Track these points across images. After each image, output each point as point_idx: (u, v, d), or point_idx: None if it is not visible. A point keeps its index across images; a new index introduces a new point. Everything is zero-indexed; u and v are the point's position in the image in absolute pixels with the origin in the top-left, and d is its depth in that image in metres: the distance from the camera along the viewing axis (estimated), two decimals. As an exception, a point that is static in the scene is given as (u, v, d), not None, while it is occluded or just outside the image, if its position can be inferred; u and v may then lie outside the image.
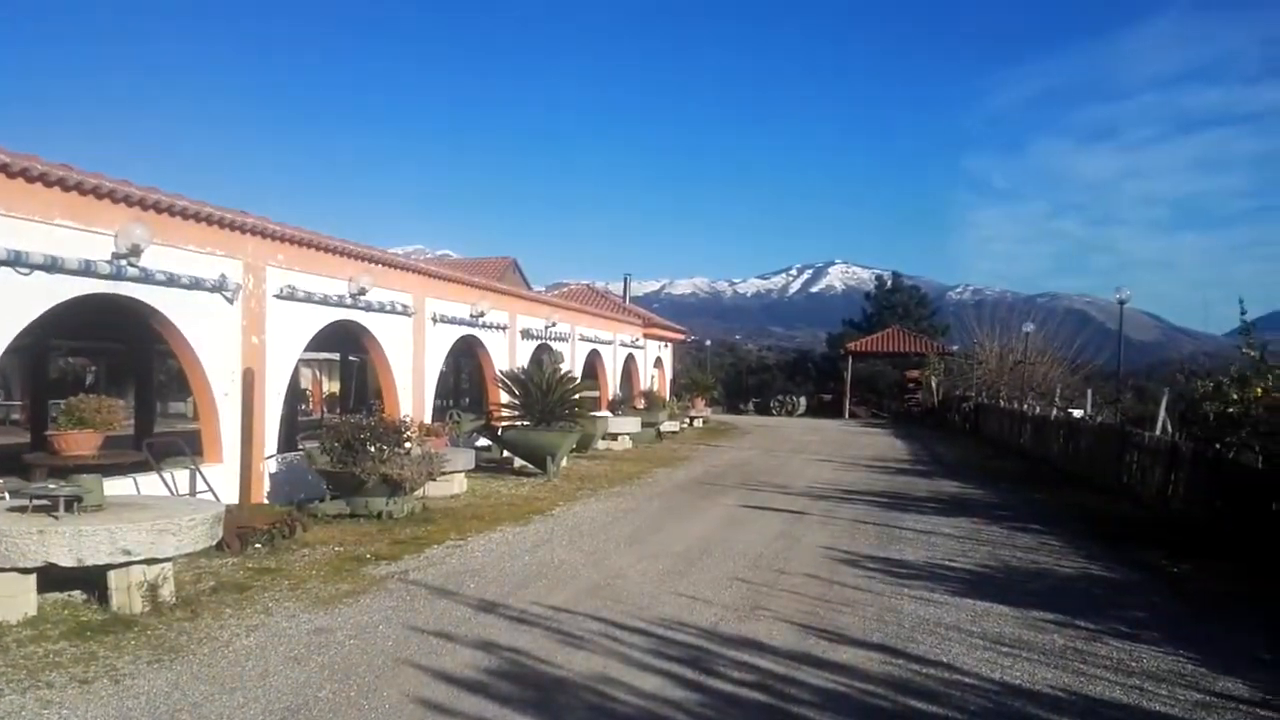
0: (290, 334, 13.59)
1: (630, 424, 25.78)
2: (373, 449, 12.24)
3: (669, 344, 41.57)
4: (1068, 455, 21.66)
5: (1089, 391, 26.87)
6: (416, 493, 12.92)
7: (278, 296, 13.18)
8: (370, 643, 6.93)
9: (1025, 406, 29.40)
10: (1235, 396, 12.28)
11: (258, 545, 10.02)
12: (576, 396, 19.45)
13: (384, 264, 16.15)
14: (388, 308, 16.15)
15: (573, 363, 26.47)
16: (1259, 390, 11.98)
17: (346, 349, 22.38)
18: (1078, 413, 24.79)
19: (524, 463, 18.29)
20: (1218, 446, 12.66)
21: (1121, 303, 26.60)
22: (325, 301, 14.24)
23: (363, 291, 15.01)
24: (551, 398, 18.47)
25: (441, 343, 18.69)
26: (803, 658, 6.83)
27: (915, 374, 47.89)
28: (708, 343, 66.92)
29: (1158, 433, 16.98)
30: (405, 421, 13.66)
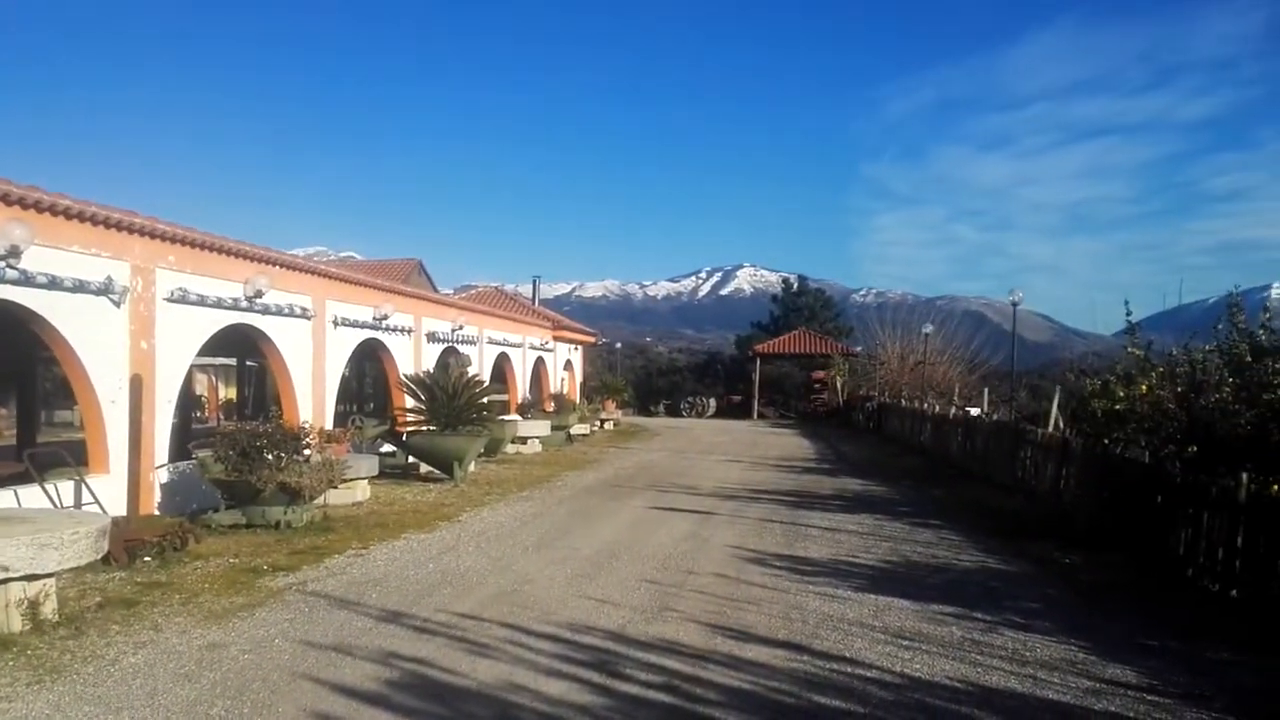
0: (182, 338, 13.12)
1: (540, 427, 25.63)
2: (270, 456, 11.90)
3: (579, 346, 41.48)
4: (965, 452, 22.22)
5: (985, 390, 27.69)
6: (317, 501, 12.61)
7: (169, 299, 12.71)
8: (266, 657, 6.72)
9: (925, 405, 30.09)
10: (1122, 394, 12.75)
11: (147, 558, 9.65)
12: (484, 400, 19.26)
13: (282, 265, 15.71)
14: (286, 311, 15.72)
15: (480, 366, 26.19)
16: (1144, 387, 12.47)
17: (244, 354, 21.74)
18: (975, 411, 25.48)
19: (430, 468, 18.03)
20: (1106, 442, 13.12)
21: (1015, 304, 27.45)
22: (220, 305, 13.79)
23: (259, 294, 14.57)
24: (458, 402, 18.25)
25: (343, 347, 18.29)
26: (710, 657, 6.87)
27: (821, 375, 48.66)
28: (618, 345, 67.01)
29: (1050, 429, 17.53)
30: (305, 428, 13.33)
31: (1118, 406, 12.76)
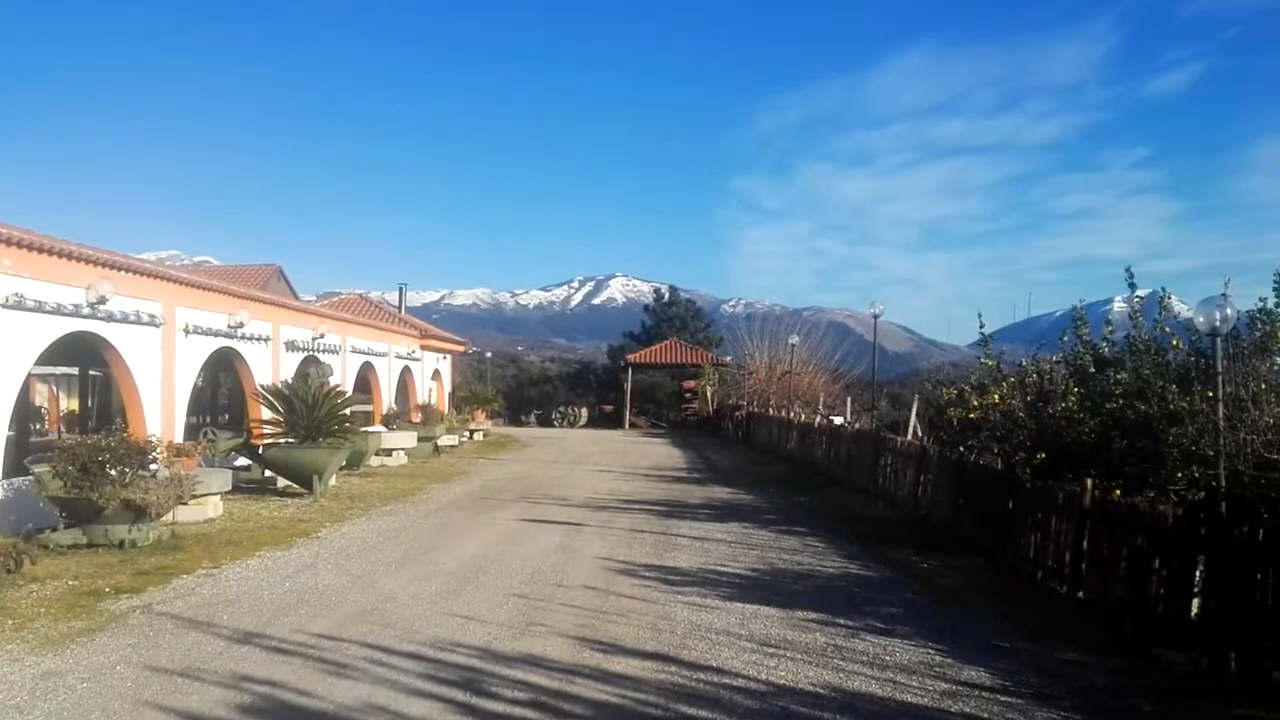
0: (18, 347, 12.33)
1: (406, 439, 25.09)
2: (113, 472, 11.30)
3: (448, 356, 40.83)
4: (830, 460, 22.75)
5: (849, 399, 28.45)
6: (165, 518, 12.02)
7: (3, 305, 11.93)
8: (106, 685, 6.33)
9: (792, 414, 30.76)
10: (975, 403, 13.26)
11: (-23, 582, 8.98)
12: (346, 411, 18.72)
13: (128, 270, 14.93)
14: (133, 318, 14.94)
15: (343, 376, 25.48)
16: (996, 397, 12.99)
17: (88, 363, 20.58)
18: (839, 420, 26.16)
19: (288, 483, 17.38)
20: (961, 449, 13.61)
21: (876, 316, 28.22)
22: (59, 311, 13.00)
23: (103, 300, 13.81)
24: (318, 413, 17.66)
25: (195, 356, 17.50)
26: (578, 671, 6.80)
27: (692, 384, 49.17)
28: (489, 354, 66.23)
29: (909, 437, 18.11)
30: (152, 441, 12.70)
31: (972, 415, 13.26)
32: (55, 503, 11.47)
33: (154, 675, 6.57)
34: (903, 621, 8.61)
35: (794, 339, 39.81)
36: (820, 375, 42.04)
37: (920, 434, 18.48)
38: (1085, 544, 9.58)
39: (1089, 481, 9.69)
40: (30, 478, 11.87)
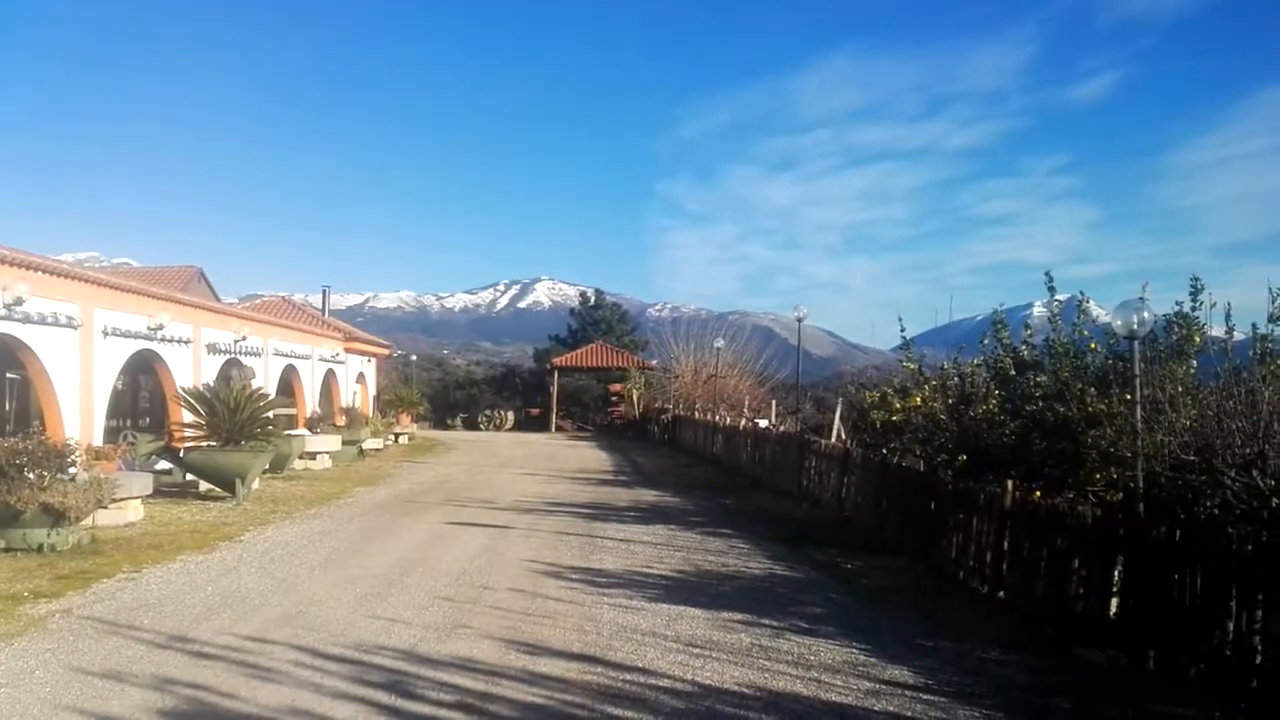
0: (-73, 348, 11.99)
1: (330, 442, 24.78)
2: (31, 475, 11.05)
3: (373, 359, 40.39)
4: (755, 463, 23.04)
5: (774, 403, 28.80)
6: (84, 522, 11.76)
7: (-88, 305, 11.60)
8: (25, 690, 6.22)
9: (717, 417, 31.04)
10: (898, 405, 13.54)
11: (-116, 590, 8.74)
12: (269, 414, 18.47)
13: (45, 271, 14.59)
14: (49, 320, 14.59)
15: (266, 379, 25.10)
16: (918, 399, 13.27)
17: (3, 365, 20.01)
18: (764, 423, 26.50)
19: (210, 486, 17.07)
20: (884, 452, 13.85)
21: (799, 320, 28.63)
22: (-28, 312, 12.68)
23: (19, 301, 13.49)
24: (240, 416, 17.39)
25: (114, 358, 17.13)
26: (504, 672, 6.85)
27: (618, 388, 49.33)
28: (414, 358, 65.65)
29: (833, 440, 18.44)
30: (70, 444, 12.43)
31: (894, 418, 13.52)
32: (-31, 507, 11.16)
33: (75, 678, 6.47)
34: (827, 621, 8.75)
35: (719, 342, 40.17)
36: (745, 379, 42.50)
37: (844, 436, 18.84)
38: (1006, 545, 9.69)
39: (1010, 483, 9.81)
40: (-58, 482, 11.52)
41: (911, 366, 13.80)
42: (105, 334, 16.58)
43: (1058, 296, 12.25)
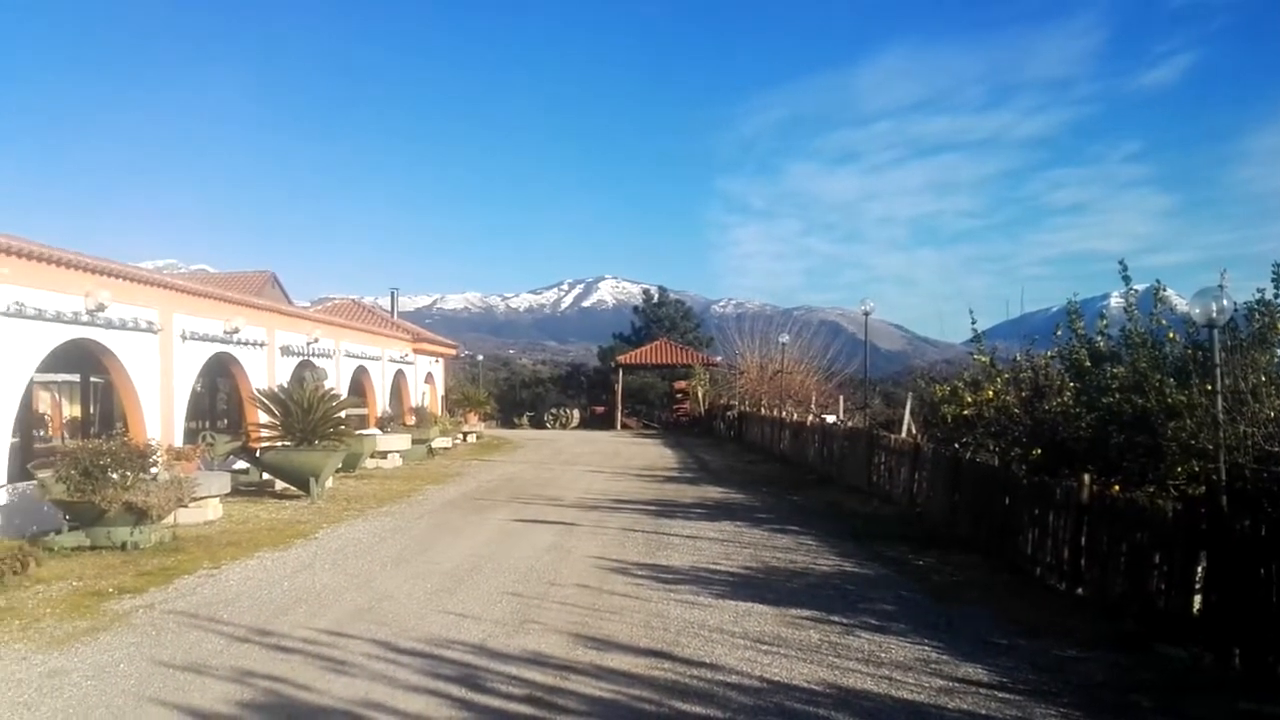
0: (19, 354, 12.44)
1: (400, 441, 25.16)
2: (115, 475, 11.41)
3: (440, 359, 40.90)
4: (823, 459, 22.84)
5: (841, 398, 28.51)
6: (165, 521, 12.12)
7: (4, 313, 12.05)
8: (111, 682, 6.44)
9: (784, 414, 30.83)
10: (969, 400, 13.27)
11: (-17, 584, 9.11)
12: (341, 414, 18.81)
13: (126, 278, 15.03)
14: (130, 325, 15.04)
15: (338, 380, 25.56)
16: (990, 393, 12.99)
17: (88, 369, 20.68)
18: (831, 418, 26.25)
19: (286, 485, 17.48)
20: (956, 446, 13.62)
21: (867, 314, 28.26)
22: (59, 319, 13.12)
23: (102, 308, 13.93)
24: (314, 416, 17.75)
25: (193, 361, 17.59)
26: (573, 667, 6.88)
27: (683, 385, 49.27)
28: (480, 357, 66.30)
29: (903, 435, 18.19)
30: (152, 445, 12.80)
31: (966, 412, 13.26)
32: (59, 506, 11.60)
33: (158, 671, 6.68)
34: (898, 619, 8.63)
35: (785, 338, 39.85)
36: (812, 374, 42.07)
37: (914, 431, 18.59)
38: (1084, 540, 9.51)
39: (1086, 477, 9.61)
40: (34, 482, 11.97)
41: (983, 359, 13.51)
42: (184, 338, 17.04)
43: (1134, 286, 11.94)
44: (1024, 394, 12.67)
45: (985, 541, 11.93)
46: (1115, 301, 13.49)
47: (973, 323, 14.03)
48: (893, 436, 18.07)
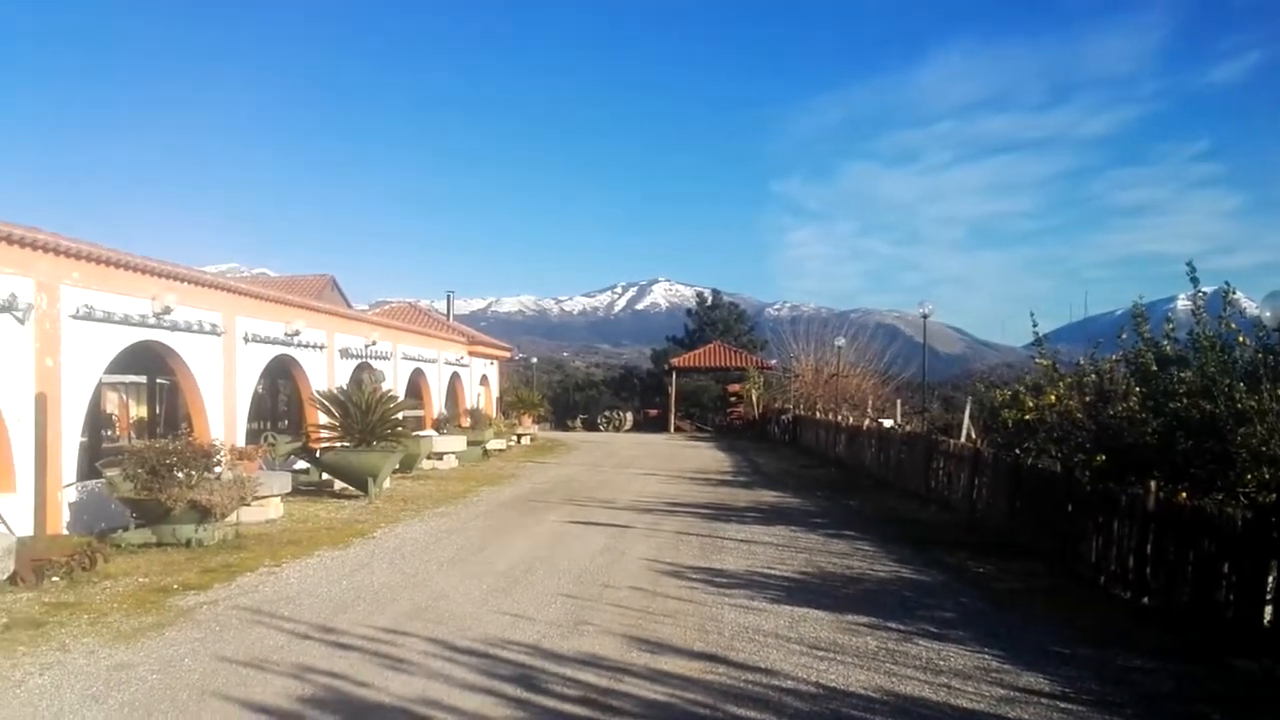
0: (89, 356, 12.77)
1: (455, 443, 25.41)
2: (180, 474, 11.65)
3: (495, 362, 41.23)
4: (880, 463, 22.61)
5: (899, 402, 28.18)
6: (228, 519, 12.35)
7: (74, 317, 12.38)
8: (175, 676, 6.57)
9: (840, 417, 30.58)
10: (1031, 404, 13.03)
11: (55, 578, 9.41)
12: (399, 416, 19.04)
13: (190, 282, 15.36)
14: (195, 327, 15.36)
15: (395, 382, 25.88)
16: (1052, 397, 12.74)
17: (154, 371, 21.18)
18: (888, 422, 25.96)
19: (344, 485, 17.73)
20: (1017, 452, 13.37)
21: (925, 317, 28.02)
22: (127, 321, 13.45)
23: (167, 311, 14.25)
24: (372, 417, 18.00)
25: (254, 363, 17.92)
26: (627, 669, 6.88)
27: (737, 388, 49.08)
28: (534, 360, 66.88)
29: (962, 440, 17.92)
30: (216, 445, 13.04)
31: (1027, 417, 13.03)
32: (126, 504, 11.89)
33: (221, 666, 6.81)
34: (957, 626, 8.49)
35: (840, 341, 39.60)
36: (869, 378, 41.66)
37: (974, 436, 18.30)
38: (1150, 548, 9.30)
39: (1152, 484, 9.40)
40: (103, 480, 12.28)
41: (1045, 363, 13.25)
42: (246, 340, 17.36)
43: (1202, 288, 11.58)
44: (1088, 399, 12.42)
45: (1047, 549, 11.71)
46: (1182, 304, 13.16)
47: (1034, 326, 13.77)
48: (952, 441, 17.81)
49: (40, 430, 11.39)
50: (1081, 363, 13.21)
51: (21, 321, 11.38)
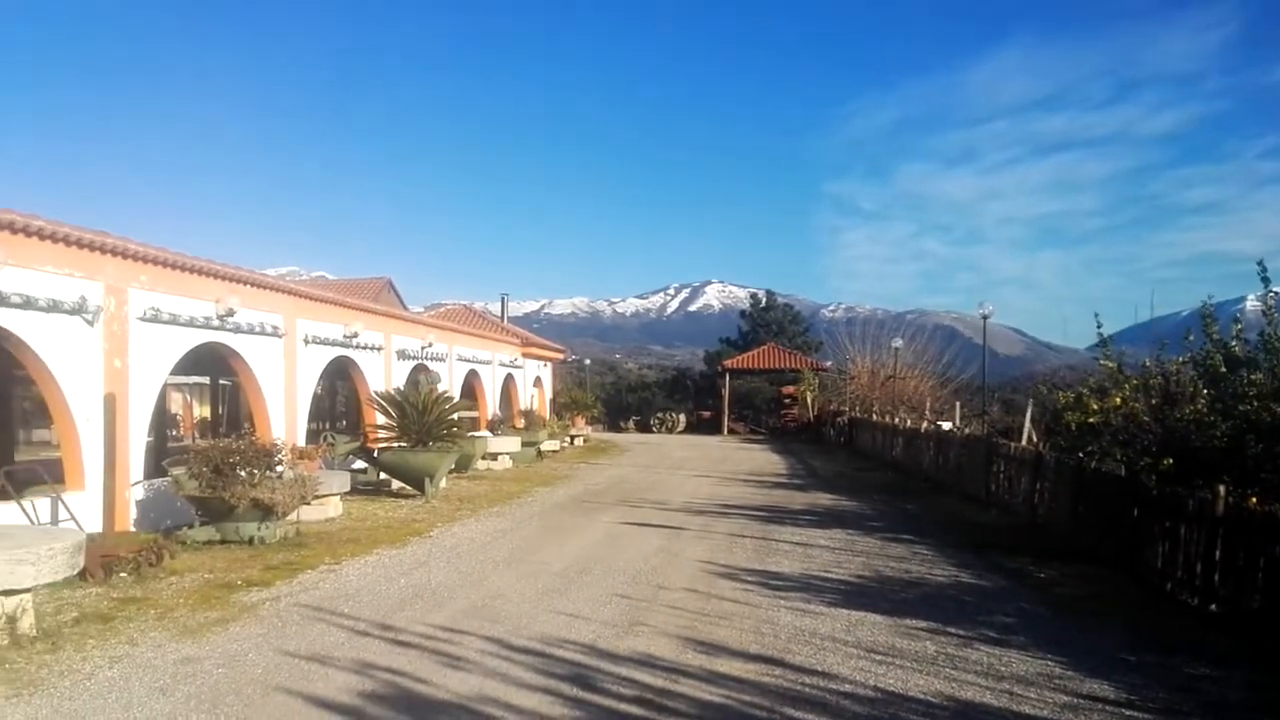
0: (155, 357, 13.07)
1: (510, 443, 25.57)
2: (243, 473, 11.85)
3: (548, 363, 41.44)
4: (938, 466, 22.35)
5: (957, 404, 27.78)
6: (290, 517, 12.55)
7: (141, 319, 12.67)
8: (240, 671, 6.70)
9: (897, 420, 30.25)
10: (1095, 407, 12.74)
11: (123, 574, 9.63)
12: (454, 416, 19.20)
13: (252, 284, 15.66)
14: (257, 329, 15.66)
15: (450, 383, 26.12)
16: (1117, 400, 12.45)
17: (217, 372, 21.64)
18: (947, 425, 25.62)
19: (402, 484, 17.95)
20: (1080, 455, 13.12)
21: (985, 318, 27.55)
22: (192, 323, 13.75)
23: (231, 313, 14.54)
24: (428, 418, 18.18)
25: (314, 364, 18.21)
26: (683, 670, 6.87)
27: (791, 390, 48.80)
28: (587, 362, 67.05)
29: (1023, 443, 17.63)
30: (277, 444, 13.24)
31: (1091, 419, 12.75)
32: (191, 501, 12.14)
33: (284, 661, 6.94)
34: (1018, 631, 8.35)
35: (898, 342, 39.20)
36: (926, 380, 41.20)
37: (1035, 439, 17.97)
38: (1218, 554, 9.06)
39: (1221, 488, 9.17)
40: (169, 479, 12.55)
41: (1110, 365, 12.94)
42: (306, 342, 17.65)
43: (1273, 288, 11.26)
44: (1154, 401, 12.13)
45: (1111, 554, 11.47)
46: (1252, 304, 12.80)
47: (1098, 326, 13.45)
48: (1013, 444, 17.52)
49: (109, 430, 11.68)
50: (1147, 364, 12.89)
51: (91, 324, 11.69)
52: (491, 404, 30.71)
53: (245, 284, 15.36)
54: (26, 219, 10.47)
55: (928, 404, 34.21)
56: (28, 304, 10.65)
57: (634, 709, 6.02)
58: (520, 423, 30.13)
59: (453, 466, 19.29)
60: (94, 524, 11.01)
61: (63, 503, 10.85)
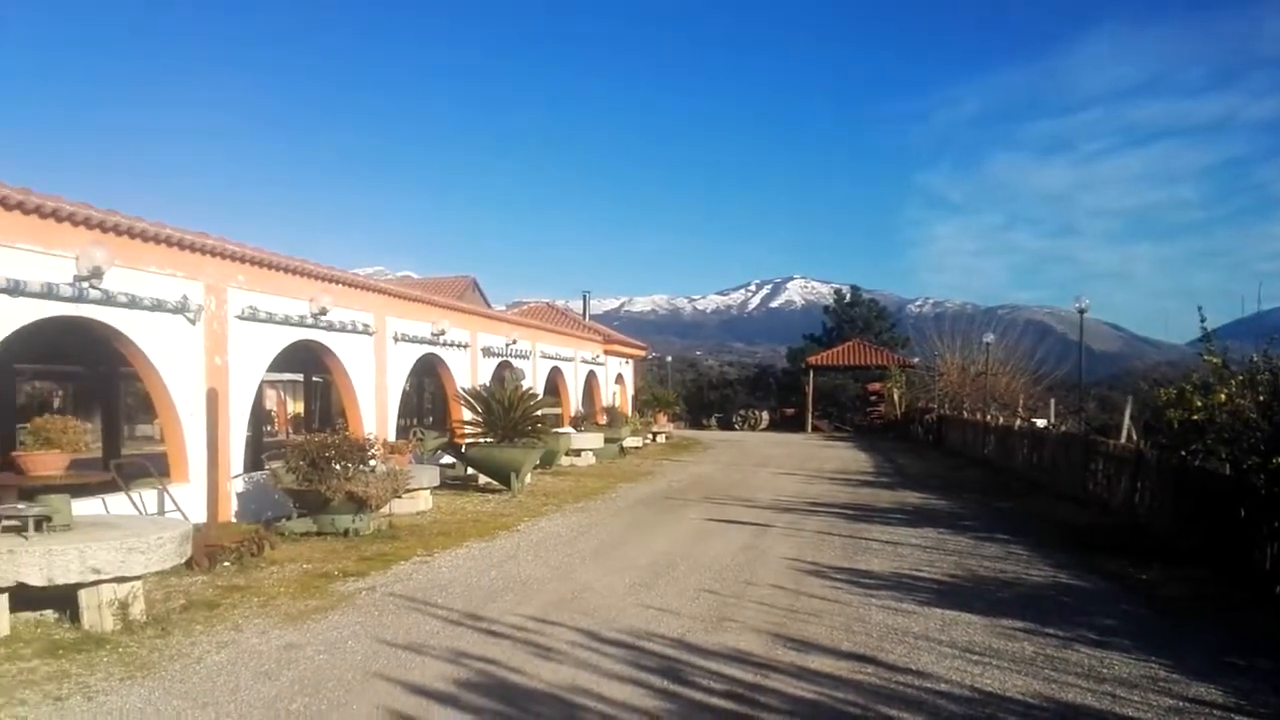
0: (253, 354, 13.47)
1: (593, 440, 25.73)
2: (338, 467, 12.15)
3: (630, 360, 41.57)
4: (1032, 465, 21.85)
5: (1052, 401, 27.06)
6: (382, 510, 12.82)
7: (239, 317, 13.07)
8: (340, 657, 6.87)
9: (988, 417, 29.65)
10: (1199, 404, 12.29)
11: (227, 563, 9.98)
12: (539, 413, 19.39)
13: (344, 284, 16.04)
14: (349, 327, 16.03)
15: (534, 380, 26.39)
16: (1223, 396, 12.01)
17: (310, 369, 22.22)
18: (1041, 423, 24.99)
19: (488, 479, 18.19)
20: (1183, 454, 12.71)
21: (1081, 312, 26.70)
22: (287, 322, 14.14)
23: (324, 311, 14.90)
24: (514, 414, 18.40)
25: (403, 361, 18.57)
26: (773, 666, 6.83)
27: (877, 387, 48.12)
28: (669, 359, 67.05)
29: (1123, 440, 17.14)
30: (369, 439, 13.56)
31: (1195, 417, 12.30)
32: (289, 494, 12.49)
33: (381, 649, 7.09)
34: (1120, 633, 8.10)
35: (989, 338, 38.34)
36: (1019, 376, 40.20)
37: (1135, 437, 17.43)
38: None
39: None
40: (267, 472, 12.93)
41: (1214, 361, 12.47)
42: (395, 340, 18.01)
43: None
44: (1261, 398, 11.63)
45: (1217, 556, 11.07)
46: (1365, 295, 12.19)
47: (1201, 321, 12.93)
48: (1112, 442, 17.02)
49: (211, 425, 12.07)
50: (1254, 360, 12.37)
51: (193, 322, 12.09)
52: (574, 401, 30.94)
53: (337, 283, 15.74)
54: (131, 221, 10.88)
55: (1020, 401, 33.41)
56: (134, 303, 11.06)
57: (725, 703, 6.00)
58: (603, 419, 30.30)
59: (537, 462, 19.49)
60: (198, 515, 11.35)
61: (168, 494, 11.23)
